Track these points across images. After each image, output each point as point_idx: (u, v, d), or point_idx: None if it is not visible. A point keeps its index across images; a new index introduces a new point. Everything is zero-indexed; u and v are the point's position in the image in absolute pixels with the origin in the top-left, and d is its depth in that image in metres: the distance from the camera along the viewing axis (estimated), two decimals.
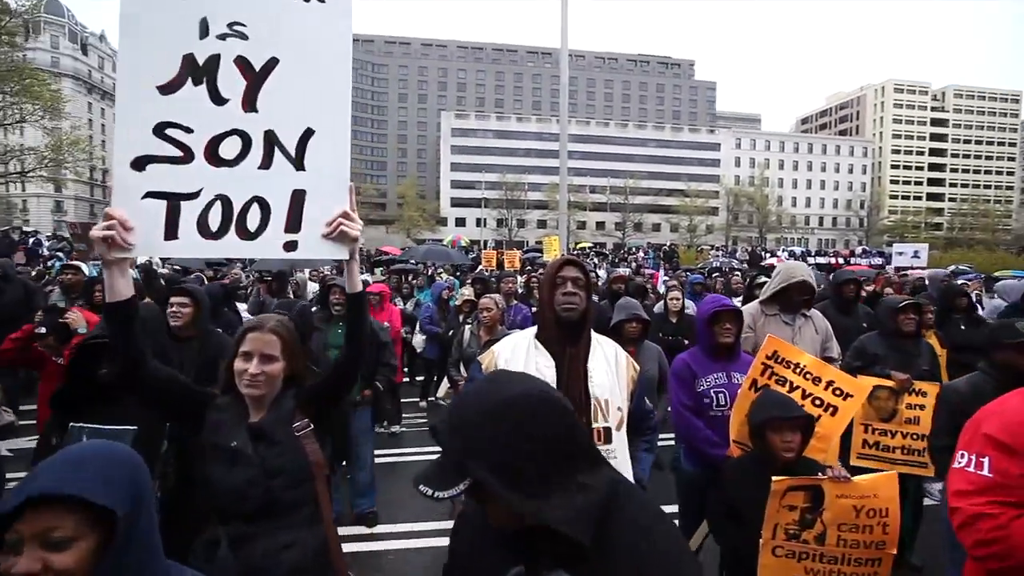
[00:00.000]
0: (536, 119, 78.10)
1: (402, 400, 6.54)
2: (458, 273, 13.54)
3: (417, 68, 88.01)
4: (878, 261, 25.40)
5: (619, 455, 1.81)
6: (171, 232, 1.43)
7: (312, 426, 1.66)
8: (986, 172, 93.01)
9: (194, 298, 2.93)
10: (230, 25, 1.46)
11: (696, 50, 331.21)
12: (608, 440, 1.79)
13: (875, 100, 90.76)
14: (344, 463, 3.83)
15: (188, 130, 1.42)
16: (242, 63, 1.47)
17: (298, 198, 1.52)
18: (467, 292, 5.65)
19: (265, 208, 1.50)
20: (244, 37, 1.47)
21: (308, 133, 1.53)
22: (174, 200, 1.43)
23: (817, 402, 2.33)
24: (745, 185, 73.39)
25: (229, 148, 1.47)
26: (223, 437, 1.59)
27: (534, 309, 7.70)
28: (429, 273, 10.42)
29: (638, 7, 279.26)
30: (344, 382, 1.74)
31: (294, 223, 1.51)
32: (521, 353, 1.86)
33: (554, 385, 1.74)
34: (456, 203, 71.79)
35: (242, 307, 6.53)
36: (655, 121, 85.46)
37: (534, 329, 1.94)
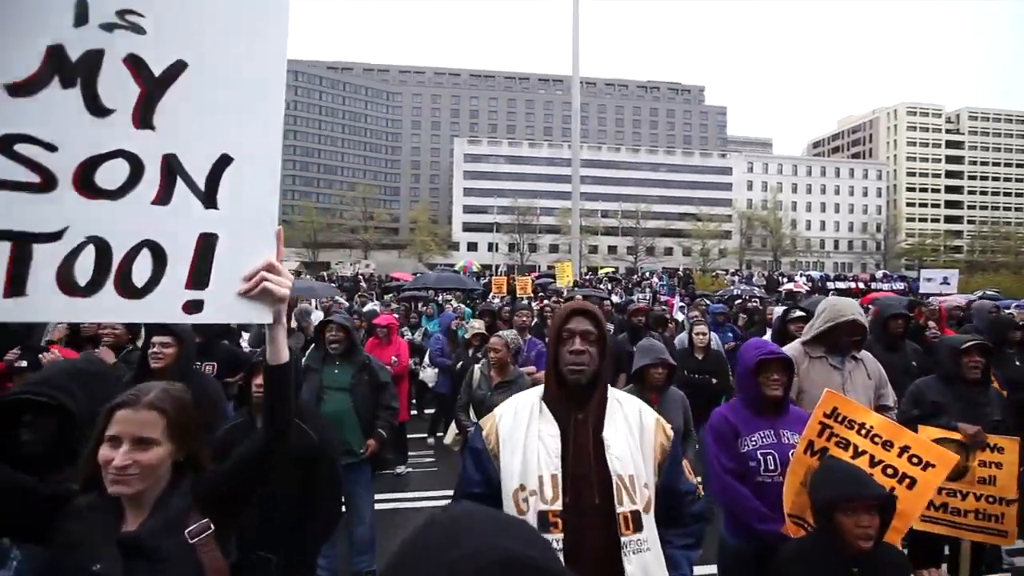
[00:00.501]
0: (547, 145, 78.94)
1: (409, 436, 6.20)
2: (469, 301, 13.26)
3: (431, 96, 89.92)
4: (900, 286, 24.71)
5: (653, 546, 1.46)
6: (15, 286, 1.03)
7: (214, 527, 1.25)
8: (1005, 194, 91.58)
9: (177, 337, 2.67)
10: (121, 13, 1.09)
11: (706, 75, 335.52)
12: (638, 527, 1.43)
13: (888, 123, 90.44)
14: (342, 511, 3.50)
15: (50, 147, 1.05)
16: (135, 64, 1.10)
17: (207, 244, 1.15)
18: (477, 325, 5.35)
19: (159, 257, 1.12)
20: (140, 31, 1.10)
21: (224, 161, 1.16)
22: (23, 242, 1.04)
23: (890, 471, 1.96)
24: (758, 209, 72.99)
25: (110, 175, 1.10)
26: (81, 558, 1.15)
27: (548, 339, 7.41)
28: (439, 300, 10.14)
29: (647, 34, 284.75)
30: (250, 478, 1.33)
31: (199, 277, 1.14)
32: (524, 418, 1.56)
33: (558, 457, 1.47)
34: (468, 228, 72.23)
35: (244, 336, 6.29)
36: (666, 146, 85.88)
37: (540, 388, 1.65)
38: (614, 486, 1.46)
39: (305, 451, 2.21)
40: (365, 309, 7.77)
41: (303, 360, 3.67)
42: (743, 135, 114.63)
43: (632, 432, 1.57)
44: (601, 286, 22.99)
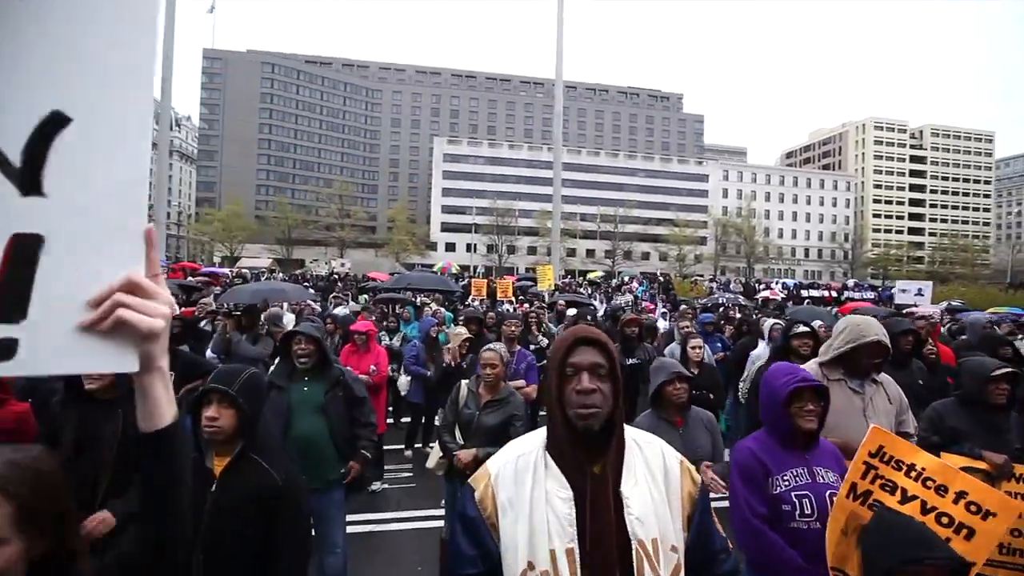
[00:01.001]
0: (528, 147, 78.94)
1: (385, 448, 5.84)
2: (448, 304, 12.88)
3: (411, 94, 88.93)
4: (870, 295, 25.30)
5: None
6: None
7: None
8: (964, 208, 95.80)
9: None
10: None
11: (684, 84, 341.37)
12: None
13: (856, 137, 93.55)
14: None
15: None
16: None
17: (22, 252, 0.72)
18: (461, 331, 5.03)
19: None
20: None
21: (55, 122, 0.73)
22: None
23: (944, 520, 1.74)
24: (733, 216, 74.48)
25: None
26: None
27: (532, 347, 7.13)
28: (417, 302, 9.75)
29: (627, 41, 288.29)
30: None
31: (10, 304, 0.70)
32: (527, 475, 1.26)
33: (573, 526, 1.18)
34: (446, 228, 71.62)
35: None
36: (645, 152, 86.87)
37: (542, 434, 1.34)
38: (634, 555, 1.18)
39: (268, 492, 1.88)
40: (339, 312, 7.34)
41: (266, 377, 3.29)
42: (719, 143, 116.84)
43: (656, 482, 1.29)
44: (581, 290, 22.88)
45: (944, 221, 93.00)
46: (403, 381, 6.41)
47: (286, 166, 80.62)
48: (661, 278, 31.87)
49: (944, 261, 75.22)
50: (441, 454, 3.24)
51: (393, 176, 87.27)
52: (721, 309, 10.89)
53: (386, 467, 5.62)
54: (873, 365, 2.65)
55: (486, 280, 18.49)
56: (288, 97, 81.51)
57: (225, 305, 5.61)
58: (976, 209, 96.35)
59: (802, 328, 3.80)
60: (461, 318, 6.67)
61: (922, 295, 12.29)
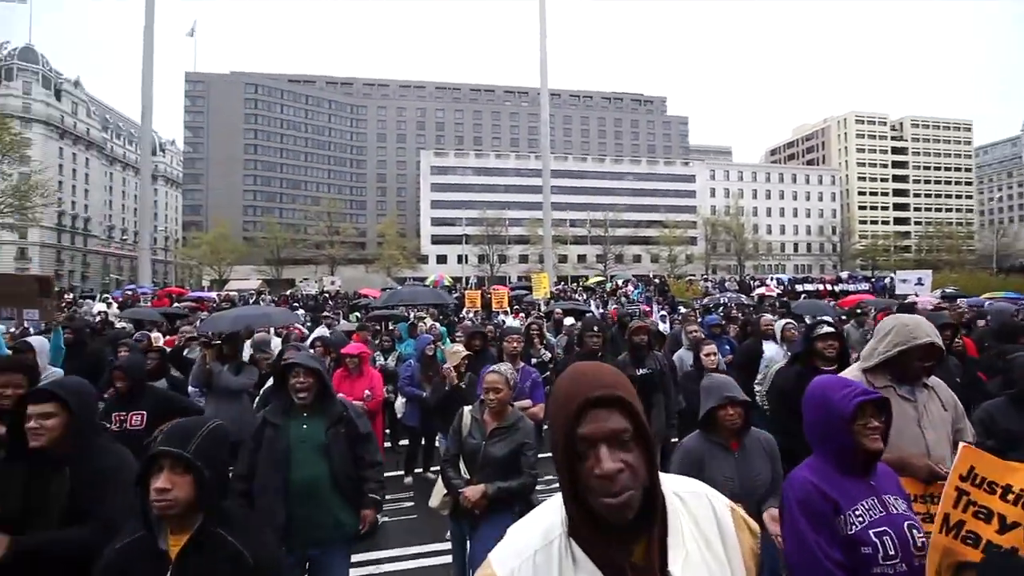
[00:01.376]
0: (515, 156, 79.07)
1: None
2: (443, 318, 12.54)
3: (396, 109, 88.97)
4: (864, 286, 25.28)
5: None
6: None
7: None
8: (947, 196, 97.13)
9: (61, 401, 1.96)
10: None
11: (667, 87, 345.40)
12: None
13: (838, 131, 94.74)
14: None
15: None
16: None
17: None
18: (458, 349, 4.70)
19: None
20: None
21: None
22: None
23: None
24: (721, 215, 74.90)
25: None
26: None
27: (534, 360, 6.81)
28: (411, 319, 9.41)
29: (609, 47, 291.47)
30: None
31: None
32: (550, 570, 0.97)
33: None
34: (437, 240, 71.33)
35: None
36: (631, 155, 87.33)
37: (558, 509, 1.02)
38: None
39: (238, 574, 1.55)
40: (328, 333, 6.98)
41: (260, 414, 2.95)
42: (704, 144, 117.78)
43: (710, 546, 1.01)
44: (576, 297, 22.61)
45: (928, 210, 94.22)
46: (399, 403, 6.09)
47: (273, 186, 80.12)
48: (656, 280, 31.70)
49: (931, 249, 76.06)
50: (445, 491, 2.92)
51: (381, 191, 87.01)
52: (721, 310, 10.62)
53: (386, 496, 5.27)
54: (924, 369, 2.38)
55: (480, 291, 18.18)
56: (272, 117, 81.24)
57: (208, 334, 5.24)
58: (959, 197, 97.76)
59: (827, 328, 3.53)
60: (458, 334, 6.34)
61: (922, 284, 12.16)
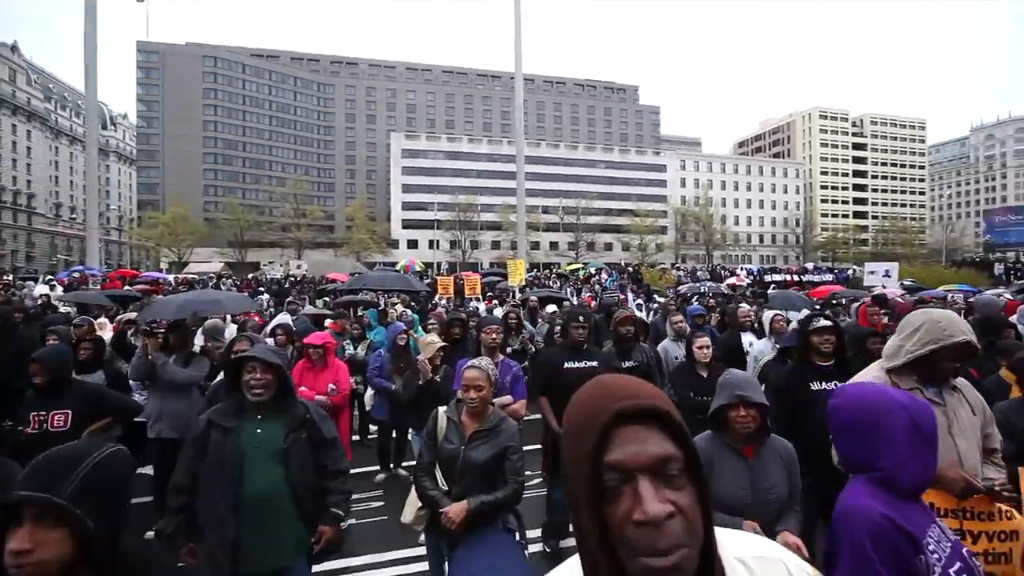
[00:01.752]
0: (487, 140, 78.03)
1: (352, 471, 5.11)
2: (415, 304, 12.09)
3: (365, 89, 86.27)
4: (829, 277, 25.95)
5: None
6: None
7: None
8: (902, 192, 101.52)
9: None
10: None
11: (639, 76, 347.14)
12: None
13: (803, 126, 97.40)
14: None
15: None
16: None
17: None
18: (433, 339, 4.34)
19: None
20: None
21: None
22: None
23: None
24: (691, 205, 76.12)
25: None
26: None
27: (511, 349, 6.49)
28: (381, 306, 8.95)
29: (583, 34, 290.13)
30: None
31: None
32: None
33: None
34: (407, 225, 70.05)
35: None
36: (604, 143, 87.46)
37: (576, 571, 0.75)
38: None
39: None
40: (291, 320, 6.46)
41: (203, 416, 2.53)
42: (675, 134, 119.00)
43: None
44: (550, 284, 22.42)
45: (885, 204, 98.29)
46: (368, 395, 5.71)
47: (235, 165, 76.82)
48: (629, 268, 31.73)
49: (886, 242, 79.35)
50: (420, 505, 2.58)
51: (350, 173, 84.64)
52: (698, 299, 10.54)
53: (354, 495, 4.90)
54: (955, 370, 2.17)
55: (453, 277, 17.74)
56: (234, 92, 77.55)
57: (151, 321, 4.68)
58: (912, 192, 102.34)
59: (824, 322, 3.34)
60: (431, 322, 5.96)
61: (889, 276, 12.43)
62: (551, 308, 8.40)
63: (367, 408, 5.75)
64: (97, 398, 3.19)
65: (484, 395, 2.58)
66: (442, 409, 2.70)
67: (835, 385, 3.07)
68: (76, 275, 19.97)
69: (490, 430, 2.60)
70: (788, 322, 5.01)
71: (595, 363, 3.87)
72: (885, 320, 5.67)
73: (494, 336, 4.00)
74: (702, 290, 12.21)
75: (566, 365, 3.84)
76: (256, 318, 6.94)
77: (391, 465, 5.71)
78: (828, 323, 3.43)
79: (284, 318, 6.82)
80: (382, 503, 5.05)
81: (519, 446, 2.67)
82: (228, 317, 6.39)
